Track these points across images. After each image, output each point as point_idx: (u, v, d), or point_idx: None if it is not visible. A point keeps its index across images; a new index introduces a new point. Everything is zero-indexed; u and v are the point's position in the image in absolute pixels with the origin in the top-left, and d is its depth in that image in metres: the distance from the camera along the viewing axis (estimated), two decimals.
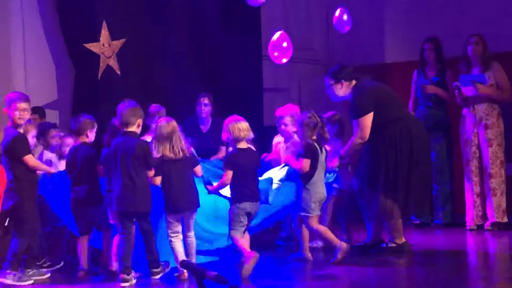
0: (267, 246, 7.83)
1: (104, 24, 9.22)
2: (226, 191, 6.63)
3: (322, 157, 6.89)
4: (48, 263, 6.95)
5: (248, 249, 6.41)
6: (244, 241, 6.50)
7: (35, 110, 9.32)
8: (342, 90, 7.33)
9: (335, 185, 7.64)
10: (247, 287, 6.00)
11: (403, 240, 7.35)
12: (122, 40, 9.33)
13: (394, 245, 7.33)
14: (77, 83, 9.54)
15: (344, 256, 6.80)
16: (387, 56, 11.10)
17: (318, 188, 6.89)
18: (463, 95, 8.60)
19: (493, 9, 10.08)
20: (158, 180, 6.36)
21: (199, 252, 6.76)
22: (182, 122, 7.30)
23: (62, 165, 7.37)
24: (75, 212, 6.69)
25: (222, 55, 10.07)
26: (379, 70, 10.92)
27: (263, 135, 8.39)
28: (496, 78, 8.58)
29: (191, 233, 6.48)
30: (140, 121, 6.41)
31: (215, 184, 6.67)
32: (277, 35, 8.42)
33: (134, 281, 6.24)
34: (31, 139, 6.95)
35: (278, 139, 8.05)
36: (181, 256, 6.30)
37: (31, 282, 6.47)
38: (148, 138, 7.05)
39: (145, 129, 7.37)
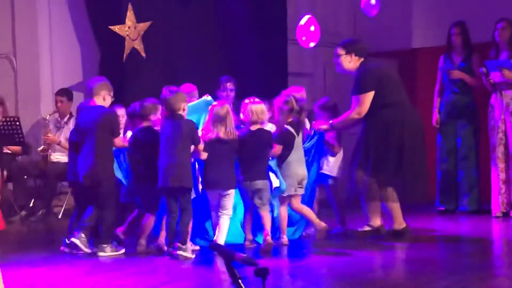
0: None
1: (130, 6, 9.25)
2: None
3: (298, 139, 7.08)
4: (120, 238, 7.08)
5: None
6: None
7: (63, 92, 9.41)
8: (351, 63, 7.29)
9: (326, 172, 7.52)
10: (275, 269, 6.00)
11: (379, 223, 7.22)
12: (148, 23, 9.35)
13: (368, 228, 7.21)
14: (102, 65, 9.58)
15: (324, 236, 7.06)
16: (414, 41, 11.02)
17: (295, 169, 7.04)
18: (491, 81, 8.52)
19: None
20: (205, 155, 6.69)
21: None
22: None
23: None
24: (136, 191, 6.90)
25: (247, 38, 10.04)
26: (406, 55, 10.84)
27: None
28: None
29: (226, 211, 6.72)
30: (185, 104, 6.68)
31: None
32: (305, 19, 8.38)
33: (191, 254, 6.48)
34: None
35: None
36: (223, 234, 6.66)
37: (123, 251, 6.76)
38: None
39: None
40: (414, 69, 10.85)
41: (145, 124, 6.87)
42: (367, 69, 7.22)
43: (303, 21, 8.38)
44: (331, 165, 7.45)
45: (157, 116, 6.88)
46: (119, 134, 6.91)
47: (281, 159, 7.07)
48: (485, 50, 8.76)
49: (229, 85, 8.60)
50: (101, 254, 6.69)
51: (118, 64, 9.26)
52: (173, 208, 6.57)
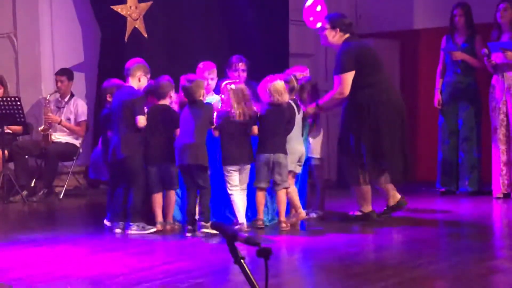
0: None
1: None
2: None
3: (298, 117, 7.10)
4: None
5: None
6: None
7: (63, 71, 9.39)
8: (335, 38, 7.29)
9: (311, 155, 7.53)
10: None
11: (370, 208, 7.24)
12: (149, 3, 9.32)
13: (359, 213, 7.25)
14: (104, 45, 9.56)
15: (296, 223, 7.03)
16: (416, 22, 10.97)
17: (295, 145, 7.05)
18: (493, 62, 8.50)
19: None
20: (217, 132, 6.87)
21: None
22: None
23: None
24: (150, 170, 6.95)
25: (249, 18, 10.01)
26: (408, 36, 10.81)
27: None
28: None
29: (243, 186, 6.84)
30: (203, 91, 6.84)
31: None
32: (311, 0, 8.37)
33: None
34: None
35: None
36: (241, 211, 6.76)
37: (153, 230, 6.80)
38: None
39: None
40: (416, 50, 10.81)
41: (162, 102, 6.93)
42: (347, 48, 7.19)
43: (309, 2, 8.37)
44: (312, 146, 7.46)
45: (174, 94, 7.00)
46: (142, 113, 6.87)
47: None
48: (487, 31, 8.73)
49: (241, 65, 8.41)
50: (130, 232, 6.77)
51: (120, 44, 9.23)
52: (191, 186, 6.72)
